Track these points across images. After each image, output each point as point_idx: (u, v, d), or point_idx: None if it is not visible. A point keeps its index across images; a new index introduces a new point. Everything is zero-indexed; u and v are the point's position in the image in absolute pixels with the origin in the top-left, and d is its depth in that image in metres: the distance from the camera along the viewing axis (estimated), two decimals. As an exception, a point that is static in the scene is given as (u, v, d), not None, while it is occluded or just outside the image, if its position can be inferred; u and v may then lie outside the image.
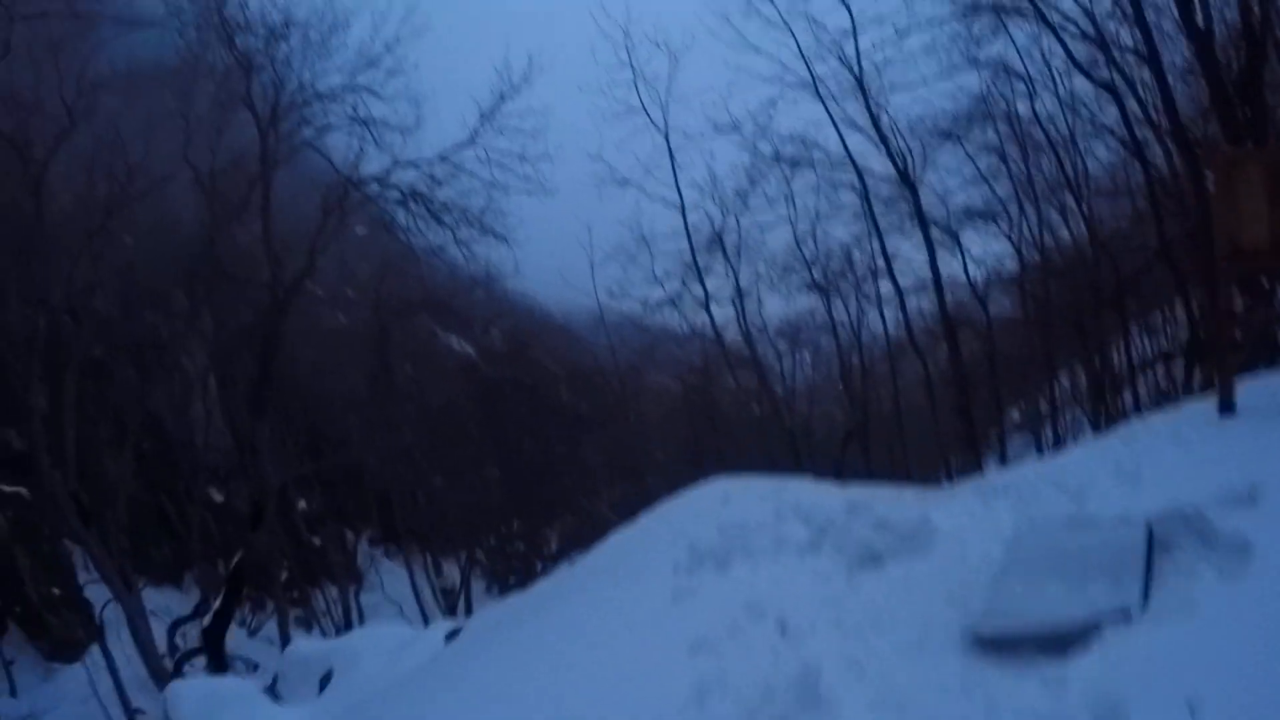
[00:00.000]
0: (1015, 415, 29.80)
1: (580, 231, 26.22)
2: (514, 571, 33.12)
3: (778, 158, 23.63)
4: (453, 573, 31.92)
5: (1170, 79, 15.61)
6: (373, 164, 21.21)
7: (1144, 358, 23.70)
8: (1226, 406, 8.09)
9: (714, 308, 24.95)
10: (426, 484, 32.97)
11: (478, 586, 32.11)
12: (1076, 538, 5.67)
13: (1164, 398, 18.97)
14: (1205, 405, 8.90)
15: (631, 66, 23.11)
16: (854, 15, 21.15)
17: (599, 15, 22.98)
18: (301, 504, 29.71)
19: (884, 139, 21.86)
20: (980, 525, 6.77)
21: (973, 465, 21.35)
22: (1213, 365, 9.97)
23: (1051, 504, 7.03)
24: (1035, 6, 18.21)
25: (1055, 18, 18.51)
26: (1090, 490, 7.06)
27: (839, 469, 22.94)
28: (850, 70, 21.47)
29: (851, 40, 21.39)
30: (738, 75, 22.61)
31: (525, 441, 33.60)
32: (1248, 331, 10.11)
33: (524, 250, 23.10)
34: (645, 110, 23.33)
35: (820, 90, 21.75)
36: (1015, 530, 6.22)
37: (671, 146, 23.54)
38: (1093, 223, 23.28)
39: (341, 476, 31.32)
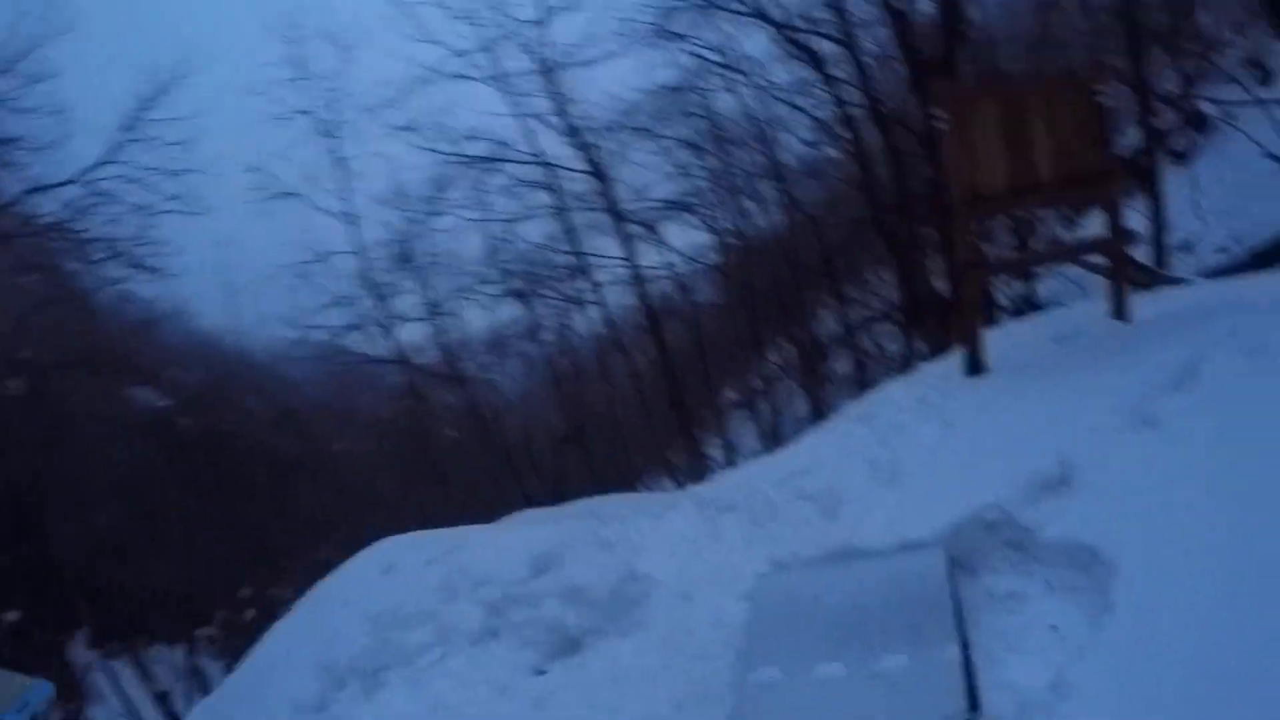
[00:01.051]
0: (731, 395, 29.39)
1: (253, 255, 22.83)
2: (251, 642, 28.74)
3: (463, 159, 21.20)
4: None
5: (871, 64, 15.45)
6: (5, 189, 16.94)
7: (854, 324, 23.67)
8: (976, 366, 6.78)
9: (409, 326, 22.45)
10: (134, 564, 28.15)
11: (217, 667, 27.79)
12: (844, 584, 3.89)
13: (882, 363, 18.65)
14: (944, 367, 7.65)
15: (298, 63, 20.04)
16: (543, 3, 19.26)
17: (260, 5, 19.62)
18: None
19: (575, 134, 20.23)
20: (708, 566, 4.93)
21: (694, 455, 20.23)
22: (955, 322, 8.89)
23: (797, 523, 5.34)
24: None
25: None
26: (844, 497, 5.42)
27: (558, 479, 21.23)
28: (538, 63, 19.67)
29: (539, 30, 19.54)
30: (417, 70, 19.94)
31: (235, 496, 29.61)
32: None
33: (199, 282, 19.48)
34: (311, 112, 20.30)
35: (507, 84, 19.85)
36: (757, 576, 4.39)
37: (342, 152, 20.69)
38: (792, 203, 22.93)
39: (40, 574, 25.87)
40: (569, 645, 4.35)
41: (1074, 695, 2.63)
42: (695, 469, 19.69)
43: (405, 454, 28.88)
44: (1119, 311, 6.63)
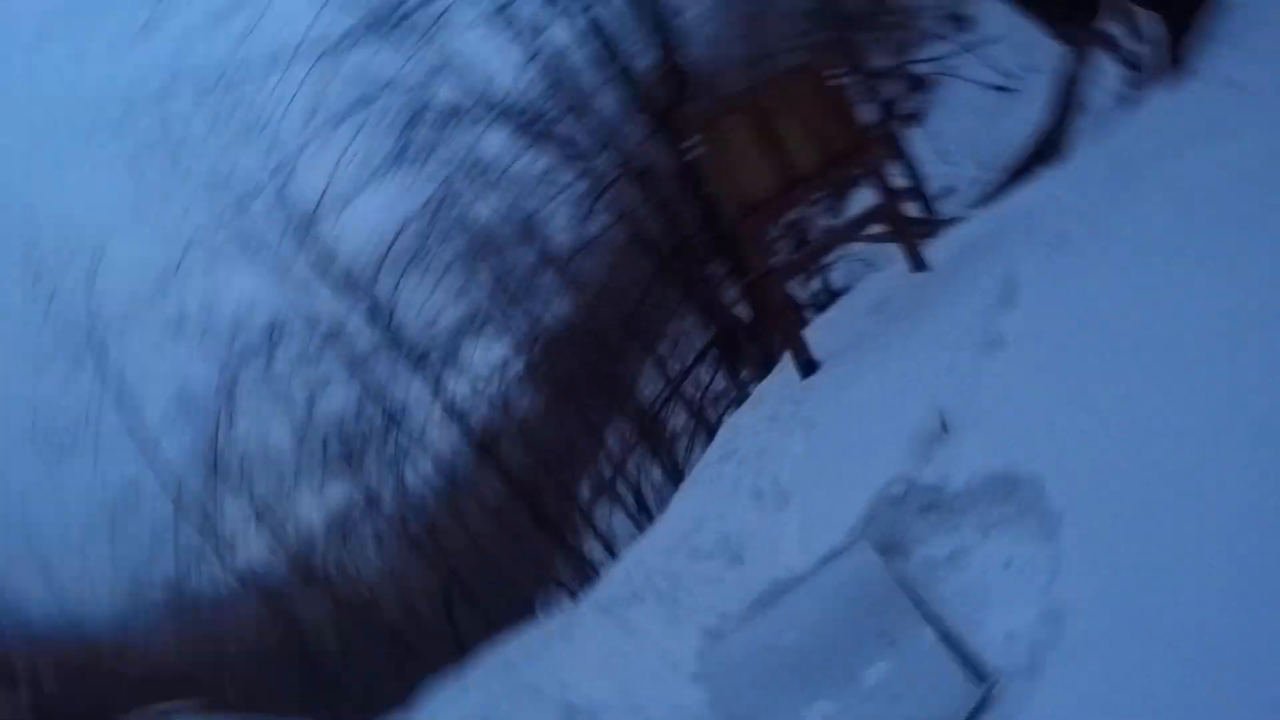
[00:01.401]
0: (587, 490, 28.93)
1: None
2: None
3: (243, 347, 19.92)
4: None
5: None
6: None
7: (676, 378, 23.73)
8: (808, 366, 6.80)
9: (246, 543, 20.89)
10: None
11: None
12: (789, 620, 3.64)
13: (718, 402, 18.71)
14: (778, 379, 7.65)
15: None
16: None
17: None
18: None
19: (350, 284, 19.57)
20: (643, 667, 4.50)
21: (576, 562, 19.70)
22: (772, 332, 8.98)
23: (709, 583, 5.05)
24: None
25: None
26: (742, 539, 5.19)
27: (457, 638, 20.19)
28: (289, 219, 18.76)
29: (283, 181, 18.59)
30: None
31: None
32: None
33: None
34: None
35: (262, 251, 18.94)
36: (698, 654, 4.05)
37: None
38: (577, 282, 22.95)
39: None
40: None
41: (1068, 611, 2.47)
42: (582, 575, 19.13)
43: (288, 680, 26.86)
44: (917, 264, 6.80)
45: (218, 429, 20.05)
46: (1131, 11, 5.94)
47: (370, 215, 19.00)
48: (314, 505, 23.55)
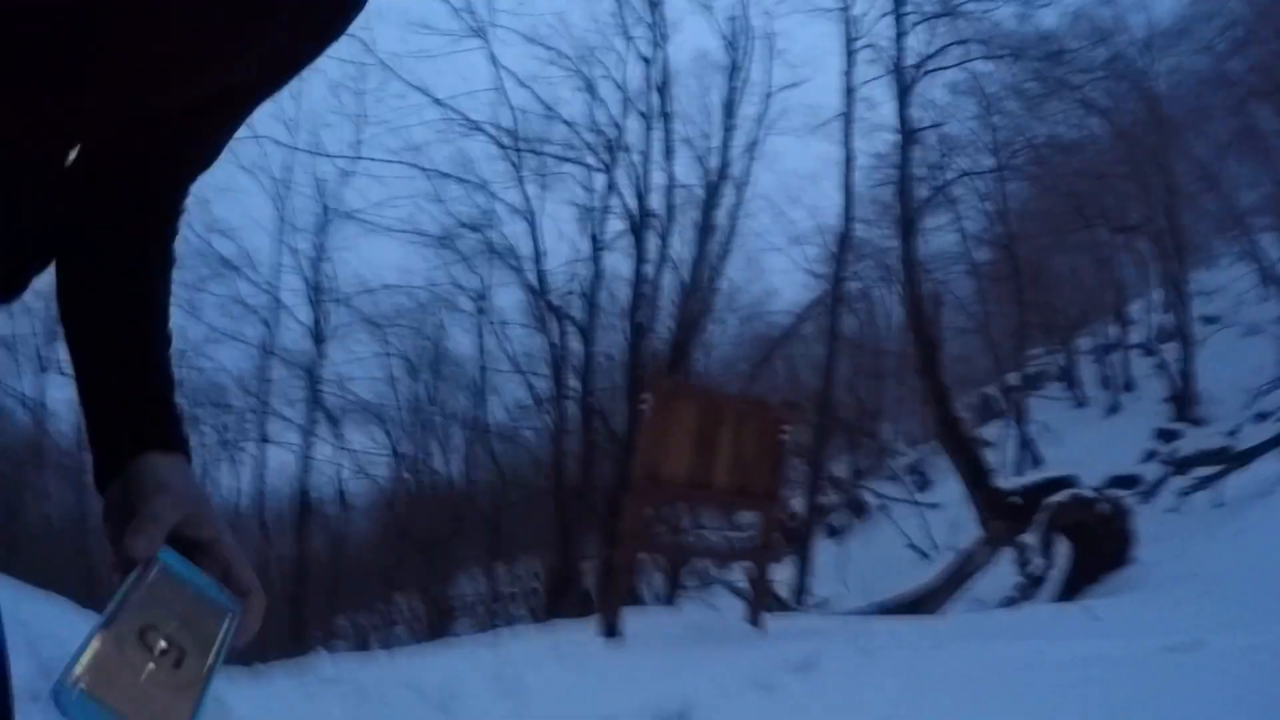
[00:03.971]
0: (345, 623, 27.66)
1: None
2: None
3: (204, 249, 20.14)
4: None
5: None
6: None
7: (496, 595, 23.40)
8: (612, 629, 7.03)
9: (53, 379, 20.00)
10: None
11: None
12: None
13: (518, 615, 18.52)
14: (580, 627, 7.85)
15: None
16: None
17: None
18: None
19: (316, 290, 20.05)
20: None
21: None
22: (601, 586, 9.23)
23: (405, 711, 5.13)
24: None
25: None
26: (459, 695, 5.31)
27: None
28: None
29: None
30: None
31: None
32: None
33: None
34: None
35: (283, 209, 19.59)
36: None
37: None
38: (489, 458, 23.31)
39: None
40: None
41: None
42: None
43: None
44: (753, 618, 7.20)
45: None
46: (1053, 538, 6.74)
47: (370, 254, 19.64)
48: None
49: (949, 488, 17.15)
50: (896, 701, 3.98)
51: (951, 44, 15.48)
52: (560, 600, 14.24)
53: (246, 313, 20.57)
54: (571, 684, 5.54)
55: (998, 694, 4.03)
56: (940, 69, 15.77)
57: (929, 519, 15.34)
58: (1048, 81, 16.32)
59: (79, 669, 0.64)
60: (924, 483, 19.61)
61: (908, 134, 14.89)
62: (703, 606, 9.17)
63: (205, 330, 20.30)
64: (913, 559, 14.45)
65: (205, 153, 0.92)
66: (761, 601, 7.42)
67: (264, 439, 20.70)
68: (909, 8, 15.27)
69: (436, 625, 21.68)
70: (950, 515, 14.31)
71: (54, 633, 5.14)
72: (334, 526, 23.88)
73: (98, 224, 0.88)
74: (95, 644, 0.67)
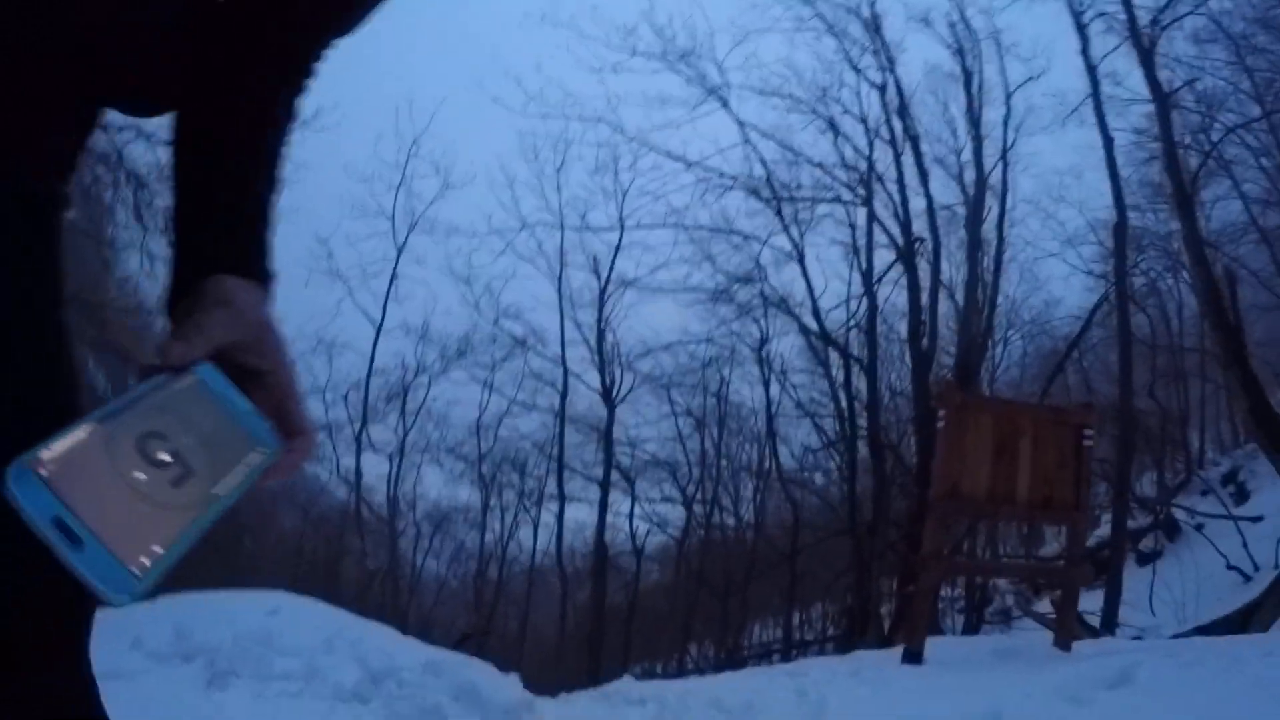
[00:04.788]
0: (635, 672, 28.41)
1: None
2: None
3: (496, 334, 22.06)
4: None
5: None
6: None
7: (793, 641, 23.27)
8: (915, 655, 6.87)
9: (368, 458, 22.08)
10: None
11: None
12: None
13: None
14: (881, 655, 7.75)
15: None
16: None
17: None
18: None
19: (602, 357, 21.16)
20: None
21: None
22: (904, 611, 9.06)
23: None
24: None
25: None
26: (760, 712, 5.40)
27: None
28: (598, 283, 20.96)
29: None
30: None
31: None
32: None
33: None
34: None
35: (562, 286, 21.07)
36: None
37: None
38: (760, 508, 23.50)
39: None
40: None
41: None
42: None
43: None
44: (1062, 643, 6.81)
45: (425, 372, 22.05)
46: None
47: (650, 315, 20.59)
48: (439, 486, 24.91)
49: (1272, 497, 15.29)
50: (1220, 709, 3.69)
51: None
52: (857, 638, 14.00)
53: (540, 384, 22.13)
54: (873, 699, 5.50)
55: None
56: (1178, 19, 14.36)
57: (1250, 535, 13.72)
58: (1300, -1, 14.45)
59: (45, 452, 0.57)
60: (1242, 494, 17.57)
61: (1162, 99, 13.70)
62: (1006, 634, 8.73)
63: (503, 402, 22.07)
64: (1234, 581, 12.95)
65: (350, 14, 0.91)
66: (1069, 624, 7.00)
67: (562, 497, 21.87)
68: (1129, -37, 14.03)
69: (729, 671, 21.79)
70: (1275, 529, 12.78)
71: (380, 646, 5.78)
72: (630, 579, 24.67)
73: (234, 61, 0.87)
74: (77, 433, 0.59)
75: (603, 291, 21.10)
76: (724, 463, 24.45)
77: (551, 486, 22.97)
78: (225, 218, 0.84)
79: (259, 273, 0.83)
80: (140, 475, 0.61)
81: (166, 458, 0.63)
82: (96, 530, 0.57)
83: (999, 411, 7.40)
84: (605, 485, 21.10)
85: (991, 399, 8.34)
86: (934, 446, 7.83)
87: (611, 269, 21.07)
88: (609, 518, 21.70)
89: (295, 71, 0.92)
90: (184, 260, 0.83)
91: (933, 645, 7.17)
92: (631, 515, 23.72)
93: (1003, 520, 8.31)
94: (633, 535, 24.74)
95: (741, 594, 23.44)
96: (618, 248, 20.83)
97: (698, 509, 24.63)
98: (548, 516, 23.94)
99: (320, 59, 0.93)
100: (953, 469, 7.09)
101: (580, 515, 23.16)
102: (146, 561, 0.59)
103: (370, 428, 21.95)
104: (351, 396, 22.04)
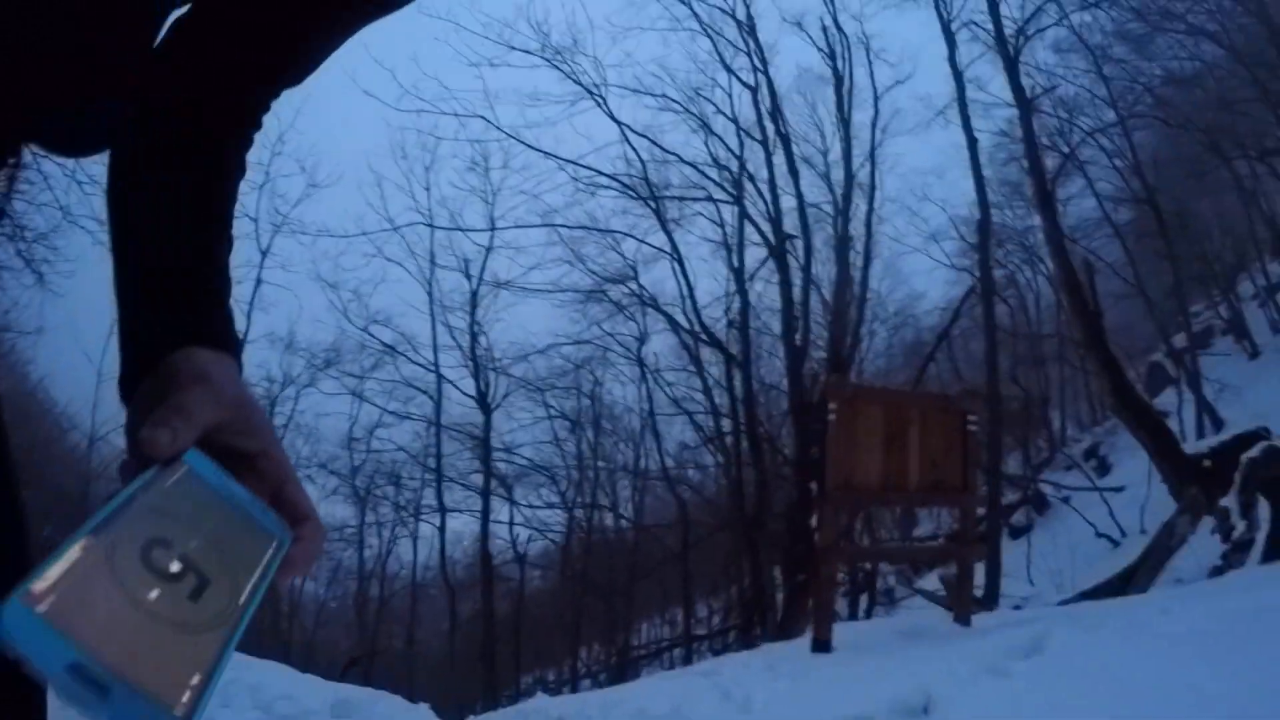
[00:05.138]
0: (532, 680, 28.23)
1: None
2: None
3: (366, 340, 21.39)
4: None
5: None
6: None
7: (688, 636, 23.54)
8: (824, 645, 7.02)
9: None
10: None
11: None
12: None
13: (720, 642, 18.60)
14: (789, 645, 7.88)
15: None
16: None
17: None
18: None
19: (475, 361, 20.86)
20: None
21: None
22: (807, 601, 9.24)
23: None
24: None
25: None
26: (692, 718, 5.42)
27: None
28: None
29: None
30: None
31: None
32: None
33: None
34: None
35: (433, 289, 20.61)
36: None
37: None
38: (639, 507, 23.66)
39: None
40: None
41: None
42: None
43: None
44: (961, 617, 7.09)
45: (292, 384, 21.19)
46: (1254, 498, 6.42)
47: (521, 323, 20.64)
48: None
49: (1131, 468, 16.39)
50: (1132, 668, 3.91)
51: (1047, 1, 15.11)
52: (754, 630, 14.24)
53: (413, 392, 21.60)
54: (796, 692, 5.59)
55: (1232, 645, 3.92)
56: (1041, 30, 15.45)
57: (1114, 504, 14.67)
58: (1152, 17, 15.70)
59: (37, 583, 0.47)
60: (1104, 467, 18.81)
61: (1024, 104, 14.54)
62: (906, 614, 9.04)
63: (376, 414, 21.45)
64: (1104, 548, 13.83)
65: (303, 61, 0.86)
66: (966, 599, 7.31)
67: (442, 509, 21.49)
68: (996, -27, 14.92)
69: (623, 673, 21.91)
70: (1137, 496, 13.68)
71: (282, 690, 5.55)
72: (514, 587, 24.49)
73: (179, 110, 0.81)
74: (71, 553, 0.50)
75: (474, 294, 20.84)
76: (601, 464, 24.52)
77: (428, 497, 22.58)
78: (187, 283, 0.75)
79: (229, 343, 0.74)
80: (154, 594, 0.52)
81: (177, 568, 0.54)
82: (122, 672, 0.47)
83: (888, 402, 7.67)
84: (486, 493, 20.83)
85: (880, 390, 8.64)
86: (815, 437, 8.07)
87: (483, 270, 20.79)
88: (490, 527, 21.39)
89: (248, 123, 0.86)
90: (142, 334, 0.73)
91: (837, 632, 7.36)
92: (511, 522, 23.46)
93: (895, 506, 8.61)
94: (514, 542, 24.48)
95: (627, 594, 23.60)
96: (489, 249, 20.60)
97: (578, 512, 24.63)
98: (425, 529, 23.47)
99: (268, 110, 0.88)
100: (845, 460, 7.29)
101: (458, 525, 22.83)
102: (187, 697, 0.50)
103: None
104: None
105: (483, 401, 20.92)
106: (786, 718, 4.89)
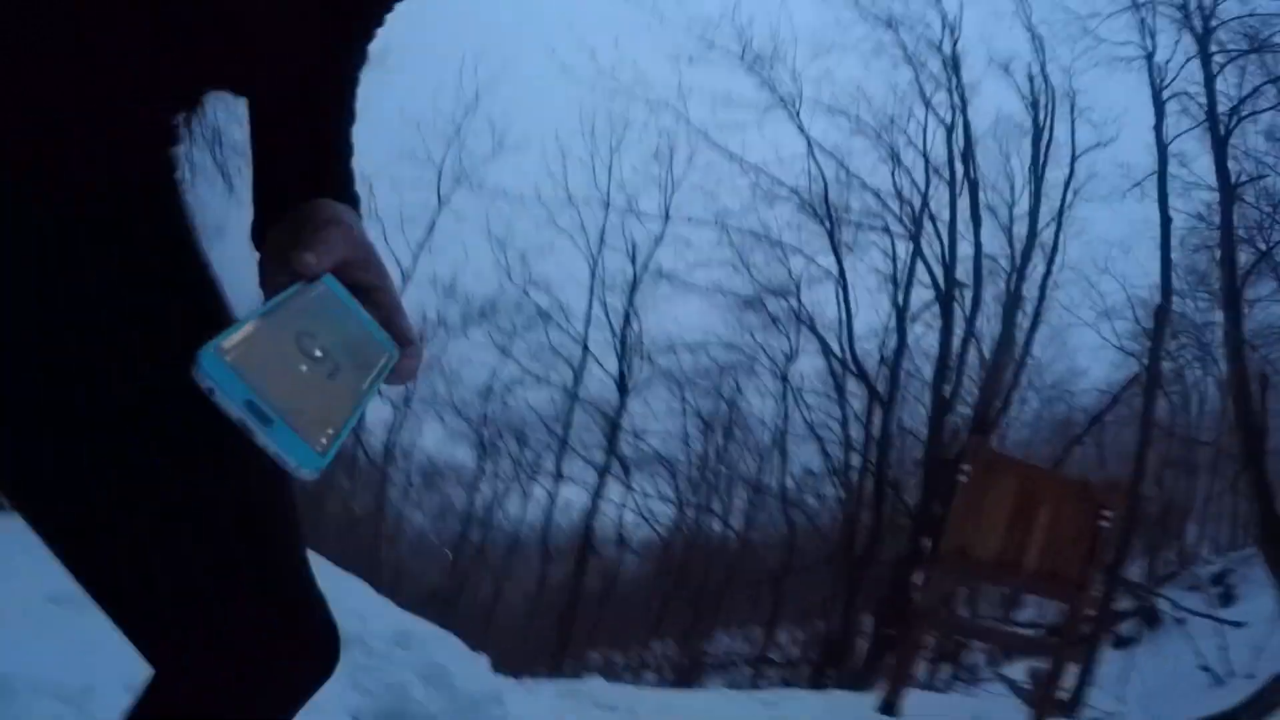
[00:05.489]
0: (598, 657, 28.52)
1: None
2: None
3: (522, 302, 21.95)
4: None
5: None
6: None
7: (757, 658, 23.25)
8: (892, 707, 6.73)
9: (373, 402, 22.00)
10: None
11: None
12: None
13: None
14: (857, 698, 7.59)
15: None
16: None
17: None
18: None
19: (624, 343, 21.11)
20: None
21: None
22: (888, 659, 8.92)
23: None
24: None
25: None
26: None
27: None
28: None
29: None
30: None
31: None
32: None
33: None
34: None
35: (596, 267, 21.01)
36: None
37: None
38: (750, 521, 23.46)
39: None
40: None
41: None
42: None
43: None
44: (1040, 717, 6.66)
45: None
46: None
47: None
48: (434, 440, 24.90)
49: (1258, 605, 15.05)
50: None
51: (1265, 83, 13.77)
52: (828, 671, 13.85)
53: (556, 359, 21.97)
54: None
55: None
56: (1256, 113, 14.07)
57: (1230, 639, 13.50)
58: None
59: (226, 340, 0.61)
60: (1229, 597, 17.36)
61: (1227, 189, 13.48)
62: (984, 699, 8.56)
63: (516, 370, 21.93)
64: (1205, 682, 12.73)
65: None
66: (1051, 701, 6.84)
67: (559, 473, 21.83)
68: (1214, 47, 13.91)
69: (688, 676, 21.76)
70: (1255, 637, 12.58)
71: (352, 607, 5.64)
72: (610, 567, 24.63)
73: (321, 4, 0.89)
74: (249, 327, 0.64)
75: (636, 279, 20.91)
76: (723, 469, 24.37)
77: (549, 462, 22.88)
78: (320, 146, 0.91)
79: (353, 199, 0.89)
80: (303, 367, 0.67)
81: (319, 354, 0.69)
82: (283, 412, 0.61)
83: (1023, 475, 7.23)
84: (604, 470, 21.00)
85: (1018, 461, 8.16)
86: (942, 495, 7.69)
87: (650, 258, 20.88)
88: (600, 504, 21.54)
89: (378, 8, 0.95)
90: (278, 187, 0.88)
91: (909, 698, 7.03)
92: (623, 505, 23.57)
93: (1004, 586, 8.18)
94: (620, 524, 24.65)
95: (716, 602, 23.42)
96: (659, 239, 20.64)
97: (689, 512, 24.57)
98: (538, 491, 23.85)
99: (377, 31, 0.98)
100: (967, 526, 6.95)
101: (570, 495, 23.06)
102: (324, 440, 0.65)
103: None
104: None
105: (621, 383, 21.06)
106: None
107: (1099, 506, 7.14)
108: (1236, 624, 14.28)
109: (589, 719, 5.90)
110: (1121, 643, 15.27)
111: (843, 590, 14.96)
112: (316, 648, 0.92)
